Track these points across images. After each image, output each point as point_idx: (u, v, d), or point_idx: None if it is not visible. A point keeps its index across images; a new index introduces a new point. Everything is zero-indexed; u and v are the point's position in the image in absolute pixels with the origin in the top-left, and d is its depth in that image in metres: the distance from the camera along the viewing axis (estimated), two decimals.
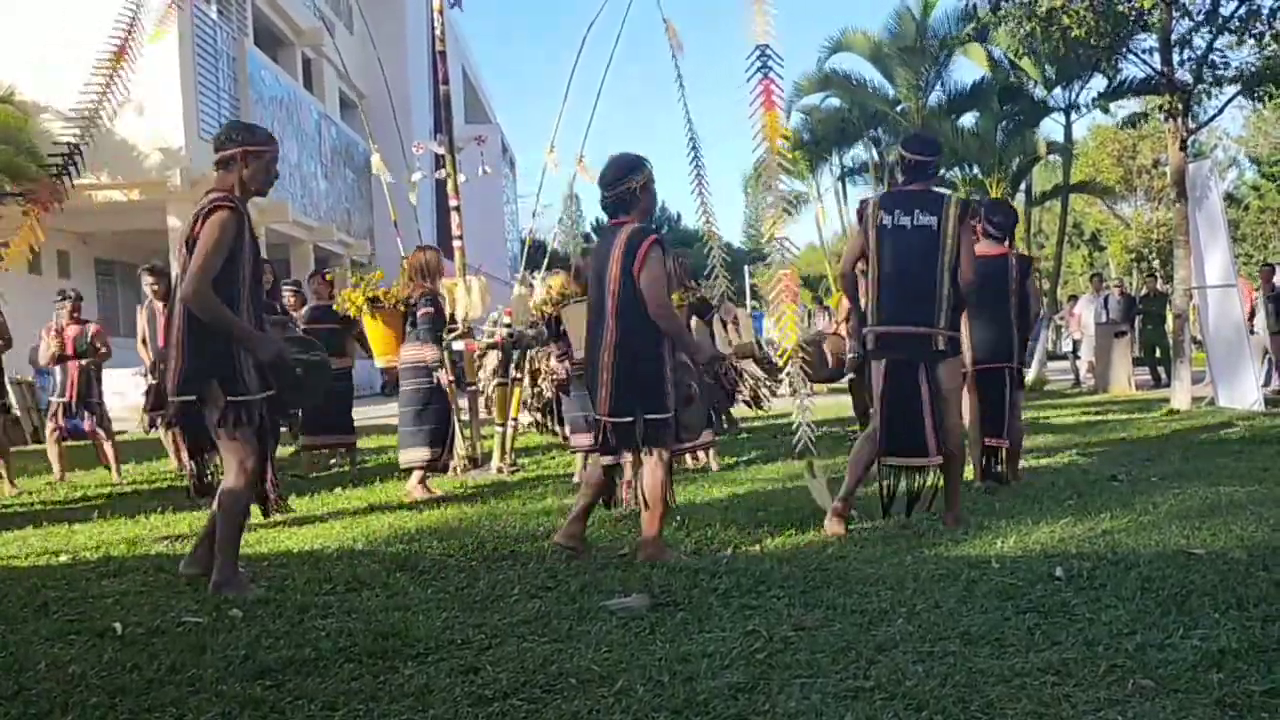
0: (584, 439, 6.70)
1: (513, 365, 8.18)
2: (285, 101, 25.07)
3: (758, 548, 4.87)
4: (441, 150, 8.19)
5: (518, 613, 3.70)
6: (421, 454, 6.98)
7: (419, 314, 7.06)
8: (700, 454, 7.79)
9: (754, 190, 26.85)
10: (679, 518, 5.48)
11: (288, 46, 26.93)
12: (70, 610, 3.95)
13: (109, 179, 19.82)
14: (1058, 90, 16.04)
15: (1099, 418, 11.15)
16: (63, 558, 5.24)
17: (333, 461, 9.01)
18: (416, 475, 6.99)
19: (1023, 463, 6.95)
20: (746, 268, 28.35)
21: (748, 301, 19.97)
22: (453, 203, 8.23)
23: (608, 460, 4.70)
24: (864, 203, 5.26)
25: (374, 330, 7.50)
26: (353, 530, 5.64)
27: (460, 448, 8.01)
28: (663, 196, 63.27)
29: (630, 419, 4.46)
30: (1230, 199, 37.72)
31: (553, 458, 8.85)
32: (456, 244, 8.23)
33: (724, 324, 8.14)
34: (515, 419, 8.29)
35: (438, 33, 8.18)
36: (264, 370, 4.16)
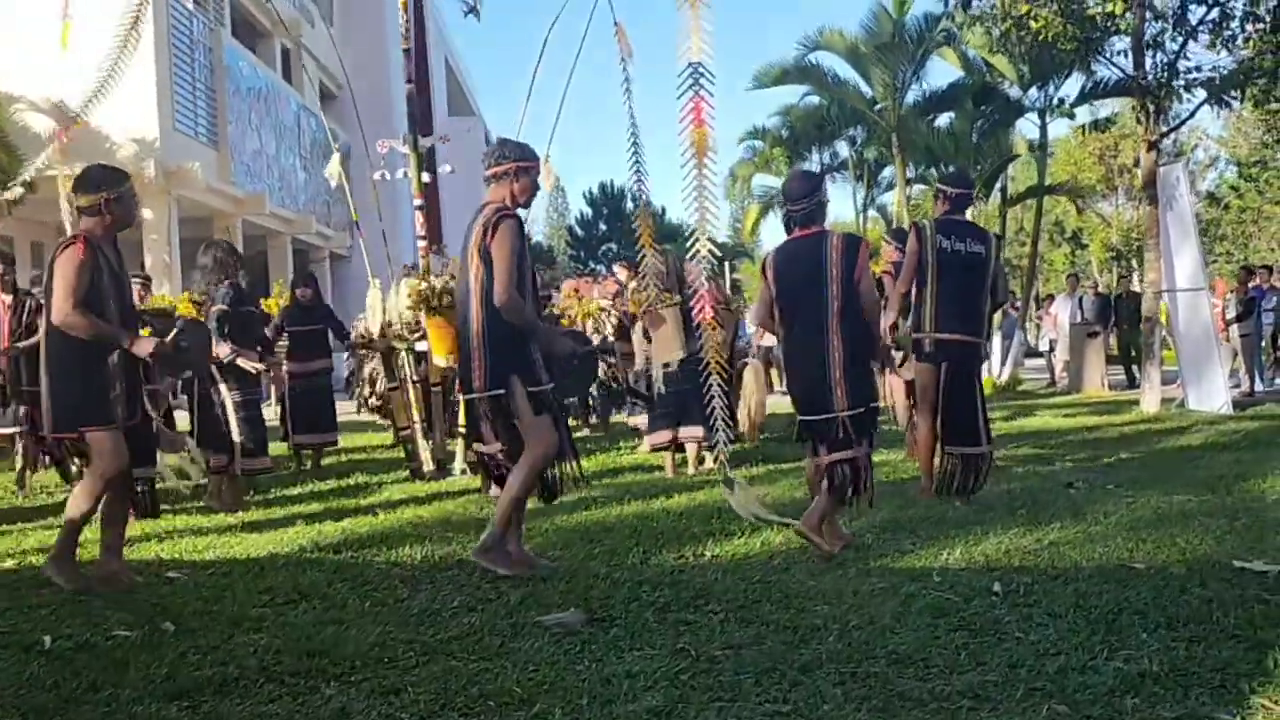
0: (663, 436, 7.53)
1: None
2: (263, 93, 24.88)
3: (708, 555, 4.87)
4: (405, 149, 8.13)
5: (451, 628, 3.68)
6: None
7: None
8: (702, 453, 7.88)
9: (734, 191, 26.83)
10: (633, 527, 5.49)
11: (266, 37, 26.71)
12: (2, 622, 3.92)
13: (81, 169, 19.66)
14: (1034, 90, 16.04)
15: (1068, 420, 11.19)
16: (8, 562, 5.20)
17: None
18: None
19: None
20: (728, 263, 28.32)
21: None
22: (416, 202, 8.18)
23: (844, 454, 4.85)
24: (920, 227, 6.17)
25: (435, 330, 7.42)
26: (304, 536, 5.62)
27: (425, 450, 8.01)
28: (662, 203, 63.36)
29: (863, 409, 4.85)
30: (1211, 198, 37.96)
31: None
32: (420, 244, 8.18)
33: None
34: None
35: (401, 30, 8.12)
36: (550, 363, 4.61)
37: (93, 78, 17.66)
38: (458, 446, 8.10)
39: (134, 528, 5.99)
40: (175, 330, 4.96)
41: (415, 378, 8.19)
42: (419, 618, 3.86)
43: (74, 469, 4.88)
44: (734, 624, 3.65)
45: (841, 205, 47.52)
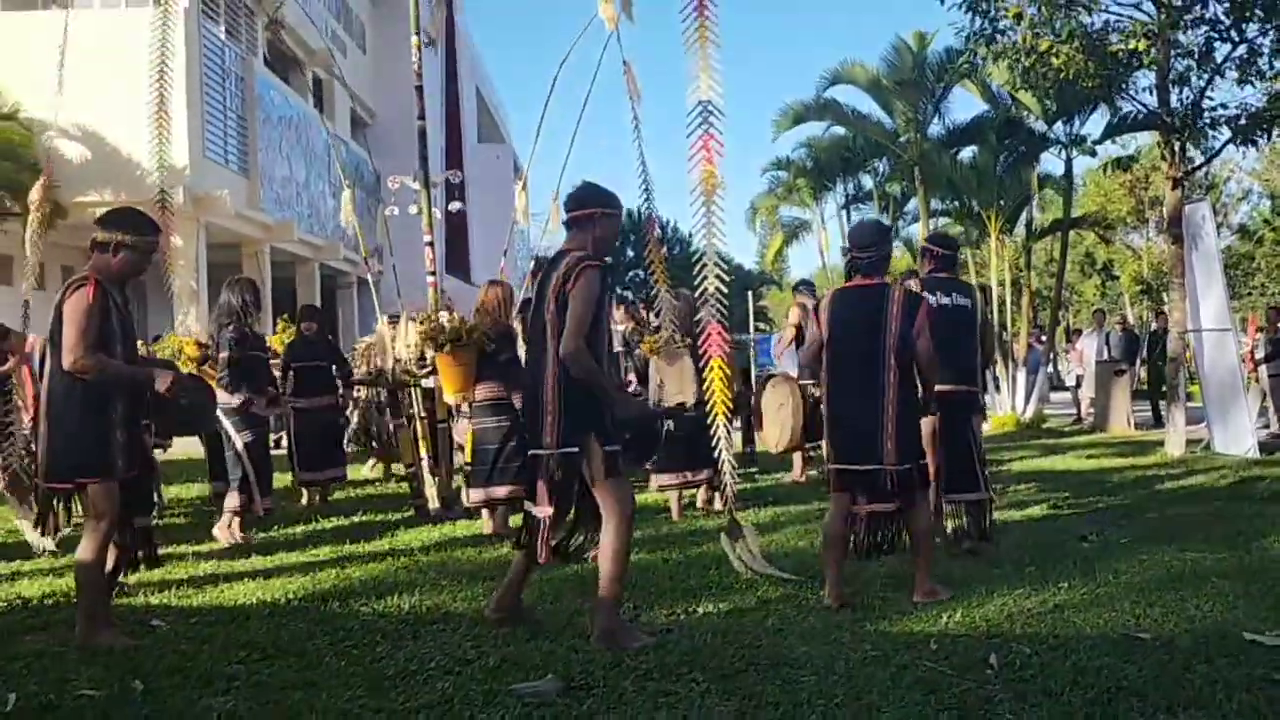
0: (671, 479, 7.52)
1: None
2: (294, 121, 25.12)
3: (700, 613, 4.75)
4: (417, 186, 8.11)
5: (423, 694, 3.58)
6: (502, 490, 6.95)
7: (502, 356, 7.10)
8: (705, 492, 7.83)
9: (755, 222, 26.75)
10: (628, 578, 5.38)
11: (299, 66, 27.00)
12: None
13: (112, 196, 19.85)
14: (1059, 124, 15.87)
15: (1090, 462, 10.97)
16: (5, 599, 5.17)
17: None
18: (488, 511, 7.04)
19: (998, 515, 6.81)
20: (750, 292, 28.20)
21: (752, 324, 19.84)
22: (426, 238, 8.14)
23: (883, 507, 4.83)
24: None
25: (445, 367, 7.32)
26: (295, 583, 5.54)
27: (430, 488, 7.94)
28: (675, 217, 63.30)
29: (910, 466, 4.81)
30: (1244, 232, 37.42)
31: None
32: (430, 279, 8.15)
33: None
34: None
35: (414, 68, 8.12)
36: (617, 423, 4.36)
37: (126, 109, 17.90)
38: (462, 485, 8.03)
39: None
40: (174, 379, 4.84)
41: (422, 414, 8.14)
42: (393, 680, 3.76)
43: (57, 521, 4.69)
44: (715, 696, 3.53)
45: None
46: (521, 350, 7.40)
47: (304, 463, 8.80)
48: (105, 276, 4.39)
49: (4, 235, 18.62)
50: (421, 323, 7.23)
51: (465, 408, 7.58)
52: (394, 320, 8.37)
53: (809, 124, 19.72)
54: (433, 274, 8.11)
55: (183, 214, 19.92)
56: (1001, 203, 16.58)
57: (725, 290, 4.73)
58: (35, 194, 8.31)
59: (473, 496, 7.13)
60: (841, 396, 4.95)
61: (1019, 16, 11.09)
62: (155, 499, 4.85)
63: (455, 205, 8.78)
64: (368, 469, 10.89)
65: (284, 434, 10.33)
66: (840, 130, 20.32)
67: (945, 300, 6.01)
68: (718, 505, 7.63)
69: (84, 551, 4.33)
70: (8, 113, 18.41)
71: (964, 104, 65.89)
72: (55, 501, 4.49)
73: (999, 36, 12.12)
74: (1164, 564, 5.57)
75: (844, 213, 23.21)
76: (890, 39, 17.79)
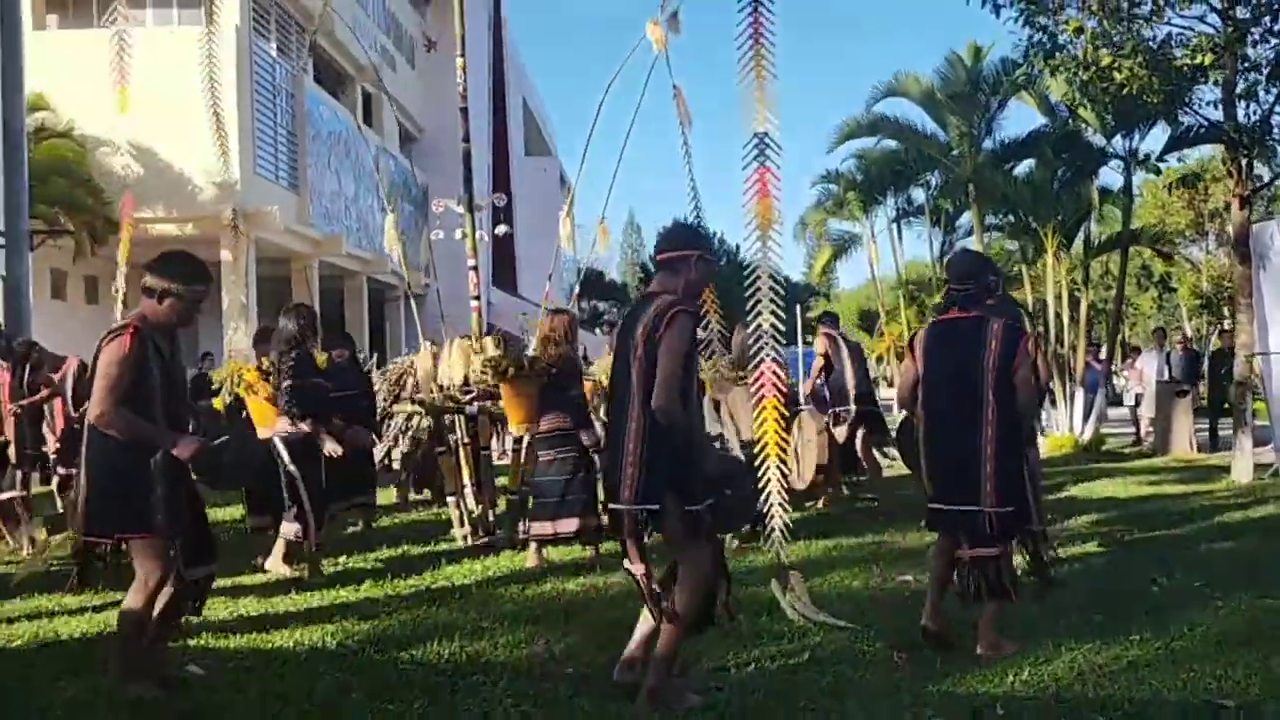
0: None
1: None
2: (344, 136, 25.28)
3: (751, 664, 4.55)
4: (461, 209, 8.00)
5: None
6: (571, 524, 6.86)
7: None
8: None
9: (803, 233, 26.46)
10: None
11: (348, 82, 27.19)
12: None
13: (164, 211, 20.06)
14: (1118, 138, 15.45)
15: (1152, 489, 10.60)
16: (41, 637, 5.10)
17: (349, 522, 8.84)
18: (536, 546, 6.96)
19: (1054, 550, 6.54)
20: (799, 305, 27.89)
21: (800, 339, 19.57)
22: (470, 262, 8.02)
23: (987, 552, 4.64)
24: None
25: (510, 396, 7.18)
26: (334, 627, 5.38)
27: (468, 517, 7.81)
28: (722, 228, 63.01)
29: (1012, 508, 4.64)
30: None
31: None
32: (473, 304, 8.03)
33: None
34: (527, 484, 8.02)
35: (459, 90, 8.01)
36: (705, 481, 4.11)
37: (178, 125, 18.02)
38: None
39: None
40: (218, 443, 4.58)
41: (465, 440, 8.01)
42: None
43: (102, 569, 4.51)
44: None
45: (917, 251, 46.78)
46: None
47: (333, 494, 8.61)
48: (151, 324, 4.19)
49: (58, 251, 18.87)
50: (479, 350, 7.09)
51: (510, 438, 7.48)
52: (436, 345, 8.24)
53: (861, 139, 19.45)
54: (476, 298, 7.99)
55: (230, 231, 20.14)
56: (1058, 218, 16.18)
57: (781, 327, 4.55)
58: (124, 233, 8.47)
59: (534, 529, 7.00)
60: (939, 434, 4.78)
61: (1079, 30, 10.77)
62: (212, 550, 4.51)
63: (501, 229, 8.68)
64: (395, 495, 10.64)
65: None
66: (891, 143, 20.00)
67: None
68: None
69: (129, 602, 4.16)
70: (62, 130, 18.65)
71: (1019, 117, 65.29)
72: (95, 554, 4.30)
73: (1057, 52, 11.82)
74: (1242, 614, 5.27)
75: (894, 226, 22.88)
76: (944, 51, 17.51)
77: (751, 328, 4.64)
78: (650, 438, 3.92)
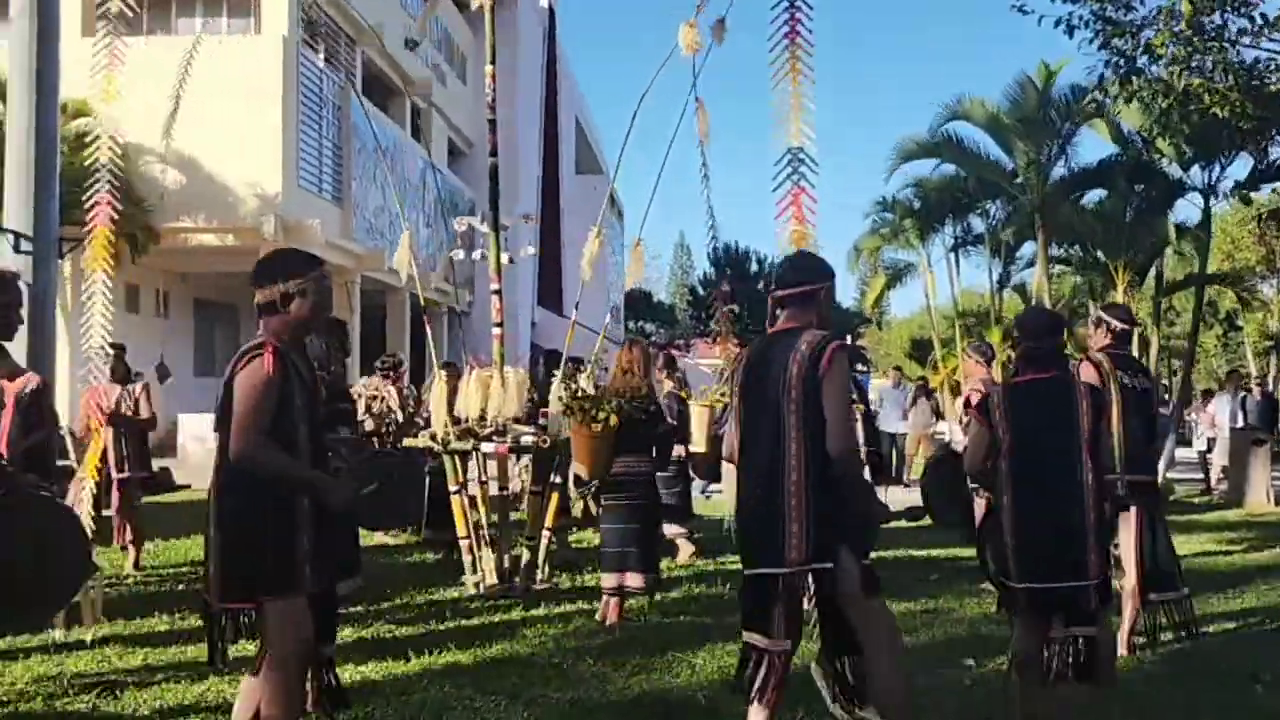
0: None
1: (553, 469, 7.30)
2: (390, 150, 24.97)
3: None
4: (485, 229, 7.40)
5: None
6: (638, 579, 6.43)
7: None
8: None
9: (857, 261, 25.64)
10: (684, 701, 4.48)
11: (397, 95, 26.92)
12: None
13: (204, 221, 19.82)
14: (1196, 170, 14.56)
15: (1235, 548, 9.70)
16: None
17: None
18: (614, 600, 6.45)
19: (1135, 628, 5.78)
20: (849, 334, 27.10)
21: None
22: (493, 286, 7.42)
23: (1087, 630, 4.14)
24: (1098, 361, 5.71)
25: (582, 442, 6.48)
26: None
27: (489, 562, 7.18)
28: (770, 252, 62.24)
29: (1106, 578, 4.28)
30: None
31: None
32: (495, 331, 7.41)
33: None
34: (550, 529, 7.39)
35: (488, 101, 7.42)
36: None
37: (221, 135, 17.73)
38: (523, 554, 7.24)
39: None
40: (370, 490, 3.94)
41: (482, 479, 7.40)
42: None
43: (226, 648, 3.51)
44: None
45: (976, 282, 45.66)
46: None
47: (433, 520, 8.24)
48: (285, 341, 3.50)
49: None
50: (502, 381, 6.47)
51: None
52: (453, 372, 7.64)
53: (916, 164, 18.67)
54: (499, 325, 7.37)
55: (274, 243, 19.81)
56: (1130, 252, 15.29)
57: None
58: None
59: (606, 582, 6.47)
60: (1036, 506, 4.26)
61: (1164, 45, 9.99)
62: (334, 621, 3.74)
63: (529, 250, 8.07)
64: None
65: None
66: (950, 169, 19.22)
67: (1132, 382, 5.71)
68: None
69: (269, 699, 3.31)
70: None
71: (1086, 146, 63.70)
72: (226, 622, 3.42)
73: (1134, 78, 11.05)
74: None
75: (951, 256, 22.02)
76: (1008, 79, 16.73)
77: None
78: (817, 489, 3.54)
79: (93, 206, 7.62)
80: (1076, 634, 4.12)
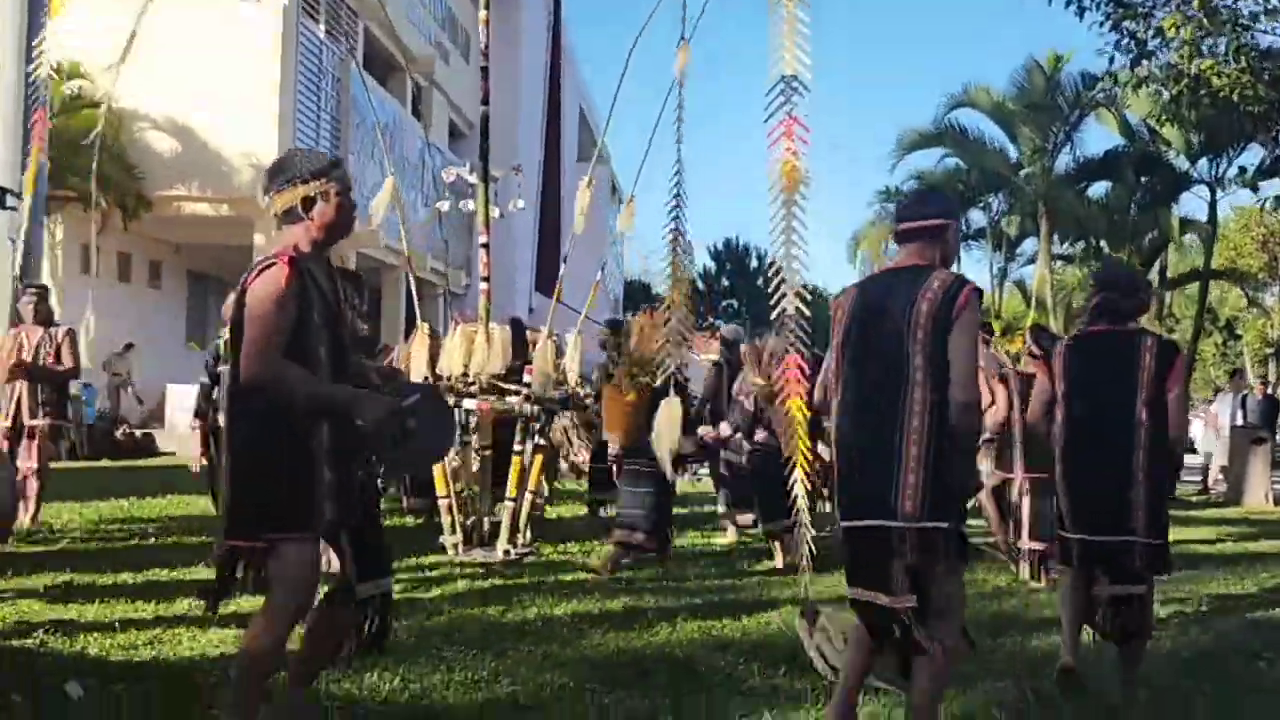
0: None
1: (535, 431, 7.09)
2: (389, 127, 24.67)
3: None
4: (474, 178, 7.18)
5: None
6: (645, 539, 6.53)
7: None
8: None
9: (858, 252, 25.38)
10: (679, 666, 4.27)
11: (398, 72, 26.63)
12: None
13: (198, 190, 19.57)
14: (1203, 162, 14.34)
15: (1233, 546, 9.49)
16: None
17: None
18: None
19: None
20: None
21: None
22: (481, 239, 7.22)
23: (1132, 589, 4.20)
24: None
25: (616, 404, 6.49)
26: None
27: (456, 524, 6.98)
28: (766, 246, 61.89)
29: (1162, 541, 4.23)
30: None
31: (577, 543, 7.71)
32: (483, 285, 7.20)
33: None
34: (533, 493, 7.17)
35: (481, 48, 7.21)
36: None
37: (214, 102, 17.42)
38: (504, 517, 7.02)
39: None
40: (411, 402, 3.30)
41: (465, 438, 7.19)
42: None
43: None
44: None
45: (976, 277, 45.28)
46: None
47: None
48: (304, 253, 3.13)
49: (89, 224, 18.41)
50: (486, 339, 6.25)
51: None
52: (434, 335, 7.43)
53: (920, 155, 18.44)
54: (486, 279, 7.16)
55: (266, 214, 19.50)
56: (1134, 245, 15.08)
57: (807, 313, 3.71)
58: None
59: (615, 536, 6.65)
60: (1085, 457, 4.29)
61: (1175, 28, 9.77)
62: (385, 557, 3.43)
63: (519, 204, 7.85)
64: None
65: None
66: (953, 162, 18.98)
67: None
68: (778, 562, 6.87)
69: (259, 630, 3.05)
70: (97, 100, 18.17)
71: (1093, 139, 63.41)
72: (238, 563, 3.06)
73: (1144, 60, 10.85)
74: None
75: None
76: (1019, 64, 16.45)
77: (773, 315, 3.89)
78: (941, 440, 3.24)
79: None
80: (1119, 592, 4.13)
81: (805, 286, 3.83)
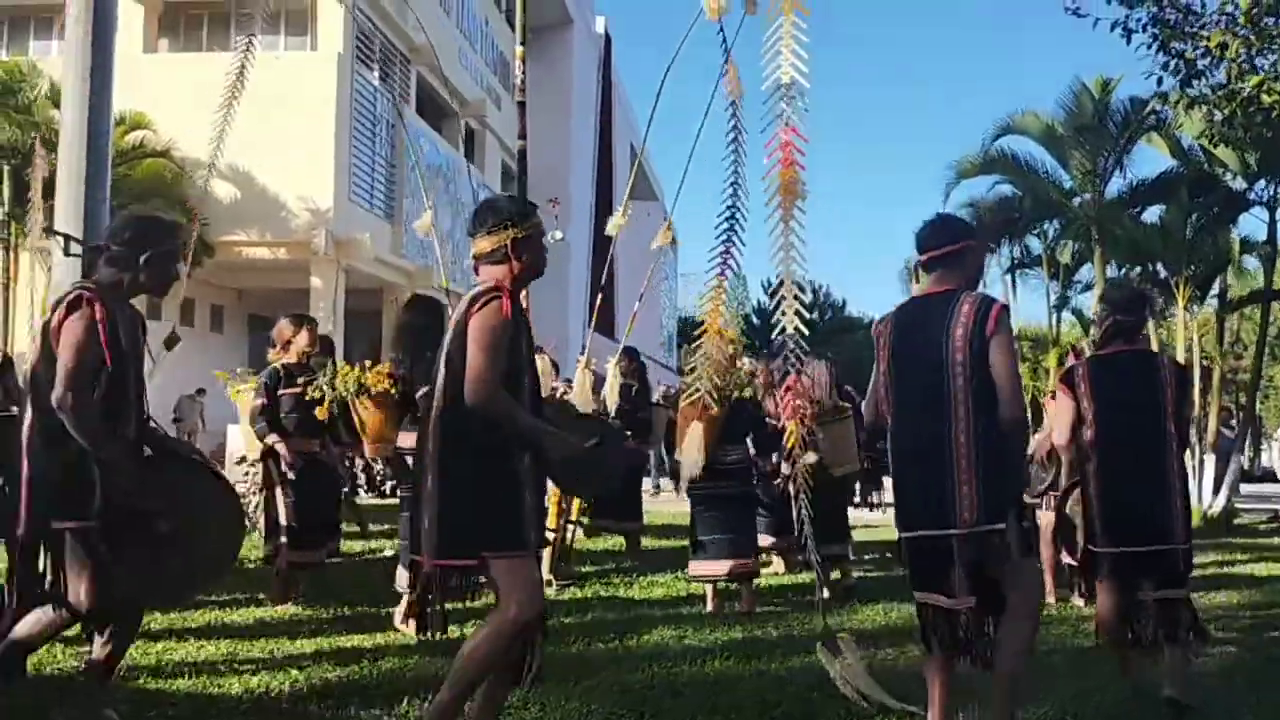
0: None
1: None
2: (442, 170, 25.12)
3: None
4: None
5: None
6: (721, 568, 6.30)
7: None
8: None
9: (913, 281, 25.13)
10: (706, 692, 4.24)
11: (451, 116, 27.13)
12: None
13: (258, 235, 20.02)
14: (1261, 182, 14.05)
15: None
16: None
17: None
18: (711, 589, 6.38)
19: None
20: None
21: None
22: None
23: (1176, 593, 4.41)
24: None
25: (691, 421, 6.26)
26: (297, 674, 4.61)
27: None
28: (827, 281, 61.62)
29: (1190, 544, 4.52)
30: None
31: (620, 570, 7.69)
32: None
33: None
34: (575, 522, 7.20)
35: (515, 82, 7.33)
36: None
37: (276, 151, 17.81)
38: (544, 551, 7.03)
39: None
40: (595, 444, 3.57)
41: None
42: None
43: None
44: None
45: (1033, 306, 44.70)
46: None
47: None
48: (507, 289, 3.28)
49: None
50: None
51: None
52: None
53: (972, 184, 18.27)
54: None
55: (324, 256, 19.93)
56: (1191, 268, 14.78)
57: (806, 331, 3.73)
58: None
59: (704, 569, 6.42)
60: (1123, 473, 4.42)
61: (1223, 46, 9.62)
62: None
63: (556, 235, 7.93)
64: None
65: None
66: (1006, 189, 18.80)
67: None
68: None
69: (482, 643, 3.16)
70: (161, 149, 18.74)
71: (1146, 162, 62.52)
72: (446, 583, 3.23)
73: (1194, 80, 10.68)
74: None
75: (1008, 278, 21.52)
76: (1068, 84, 16.24)
77: (775, 331, 3.95)
78: (988, 450, 3.50)
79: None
80: (1167, 596, 4.28)
81: (802, 298, 3.80)
